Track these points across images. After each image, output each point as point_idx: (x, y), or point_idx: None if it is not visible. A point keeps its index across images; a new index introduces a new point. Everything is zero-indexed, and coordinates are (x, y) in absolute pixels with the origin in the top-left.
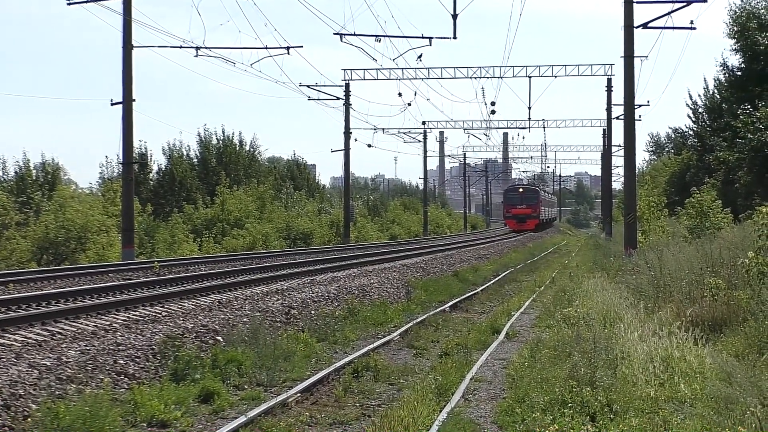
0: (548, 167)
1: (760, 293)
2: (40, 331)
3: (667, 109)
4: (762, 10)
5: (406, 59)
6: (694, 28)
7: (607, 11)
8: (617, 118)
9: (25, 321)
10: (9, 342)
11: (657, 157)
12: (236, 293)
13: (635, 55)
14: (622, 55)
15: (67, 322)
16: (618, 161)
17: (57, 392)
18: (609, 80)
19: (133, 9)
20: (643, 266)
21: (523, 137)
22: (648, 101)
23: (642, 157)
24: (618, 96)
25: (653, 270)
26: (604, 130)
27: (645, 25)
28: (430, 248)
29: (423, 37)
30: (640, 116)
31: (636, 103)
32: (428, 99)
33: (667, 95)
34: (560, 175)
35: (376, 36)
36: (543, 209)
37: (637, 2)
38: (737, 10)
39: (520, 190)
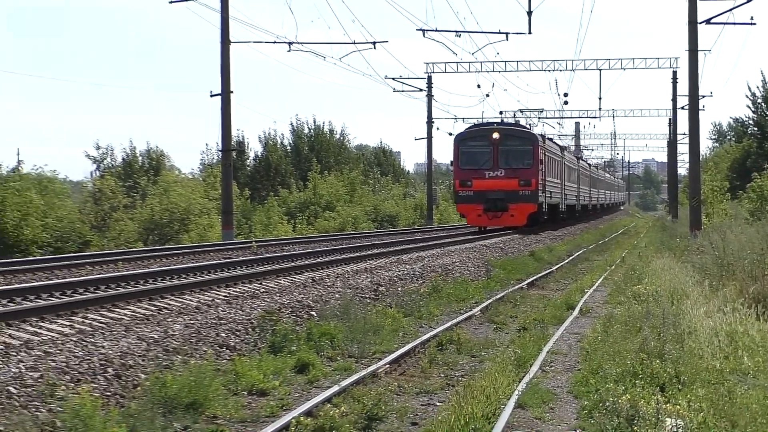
0: (617, 154)
1: None
2: (148, 306)
3: (729, 99)
4: None
5: (484, 53)
6: (755, 24)
7: (673, 7)
8: (682, 108)
9: (134, 297)
10: (119, 316)
11: (719, 144)
12: (328, 271)
13: (699, 49)
14: (687, 49)
15: (173, 297)
16: (683, 148)
17: (164, 363)
18: (674, 73)
19: (230, 7)
20: (708, 247)
21: (594, 126)
22: (711, 92)
23: (705, 144)
24: (683, 87)
25: (717, 250)
26: (669, 119)
27: (708, 21)
28: (508, 229)
29: (500, 33)
30: (703, 106)
31: (699, 94)
32: (505, 90)
33: (729, 86)
34: (629, 162)
35: (456, 31)
36: (548, 183)
37: (701, 0)
38: None
39: (494, 136)
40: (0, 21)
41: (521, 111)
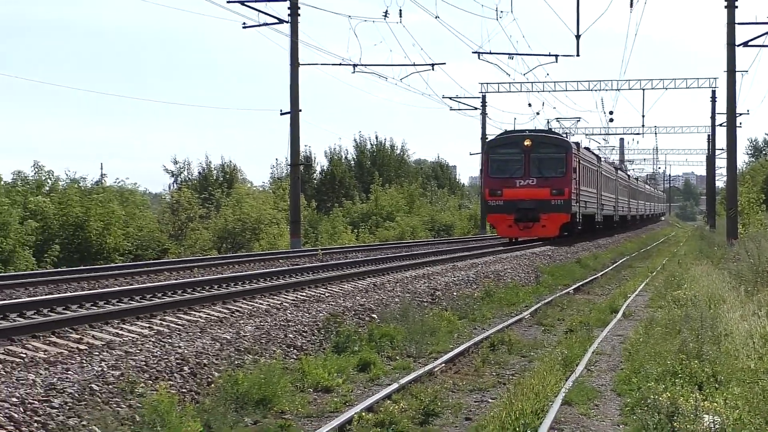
0: (659, 168)
1: None
2: (221, 309)
3: (765, 116)
4: None
5: (535, 74)
6: None
7: (712, 29)
8: (720, 125)
9: (208, 300)
10: (195, 318)
11: (755, 158)
12: (388, 277)
13: (736, 69)
14: (725, 70)
15: (244, 301)
16: (721, 163)
17: (236, 362)
18: (713, 92)
19: (299, 32)
20: (744, 255)
21: (637, 141)
22: (747, 110)
23: (742, 159)
24: (721, 106)
25: (753, 258)
26: (708, 135)
27: (745, 44)
28: (539, 240)
29: (550, 55)
30: (740, 123)
31: (737, 112)
32: (554, 108)
33: (765, 104)
34: (670, 175)
35: (509, 54)
36: (582, 192)
37: (738, 24)
38: None
39: (526, 143)
40: (92, 48)
41: (557, 120)
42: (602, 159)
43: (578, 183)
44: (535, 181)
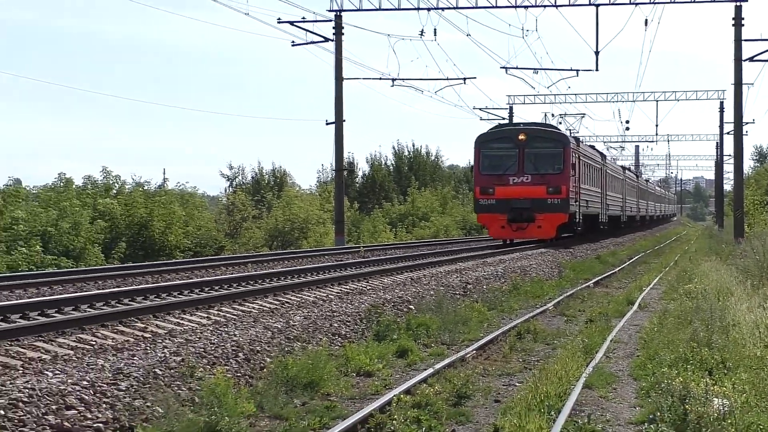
0: (672, 173)
1: None
2: (272, 301)
3: None
4: None
5: (557, 87)
6: None
7: (721, 45)
8: (728, 133)
9: (261, 293)
10: (248, 309)
11: (760, 164)
12: (424, 272)
13: (743, 82)
14: (733, 83)
15: (293, 293)
16: (728, 167)
17: (286, 349)
18: (721, 103)
19: (343, 49)
20: (750, 252)
21: (651, 149)
22: (753, 119)
23: (748, 164)
24: (729, 115)
25: (758, 254)
26: (717, 143)
27: (751, 59)
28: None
29: (571, 69)
30: (746, 132)
31: (743, 121)
32: (575, 119)
33: None
34: (681, 179)
35: (534, 69)
36: (583, 191)
37: (745, 40)
38: None
39: (520, 137)
40: (156, 64)
41: (562, 116)
42: (606, 157)
43: (578, 180)
44: (530, 179)
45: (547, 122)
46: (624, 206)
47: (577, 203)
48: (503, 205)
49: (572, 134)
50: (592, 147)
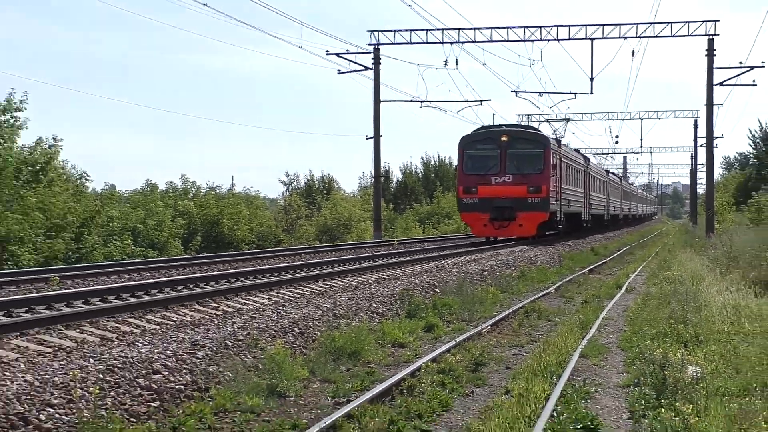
0: (654, 179)
1: None
2: (322, 285)
3: (736, 139)
4: None
5: (558, 107)
6: (756, 85)
7: (696, 71)
8: (701, 146)
9: (312, 279)
10: (302, 292)
11: (728, 171)
12: (447, 261)
13: (714, 103)
14: (705, 104)
15: (339, 279)
16: (701, 175)
17: (333, 324)
18: (695, 120)
19: (381, 76)
20: (719, 244)
21: (637, 159)
22: (722, 134)
23: (718, 172)
24: (702, 131)
25: (726, 247)
26: (691, 154)
27: (721, 84)
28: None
29: (570, 93)
30: (716, 144)
31: (714, 136)
32: (573, 133)
33: (736, 130)
34: (661, 184)
35: (539, 92)
36: (565, 190)
37: (716, 68)
38: None
39: (503, 138)
40: (222, 88)
41: (548, 121)
42: (589, 160)
43: (559, 180)
44: (512, 178)
45: (529, 124)
46: (607, 206)
47: (558, 202)
48: (486, 204)
49: (557, 137)
50: (577, 150)
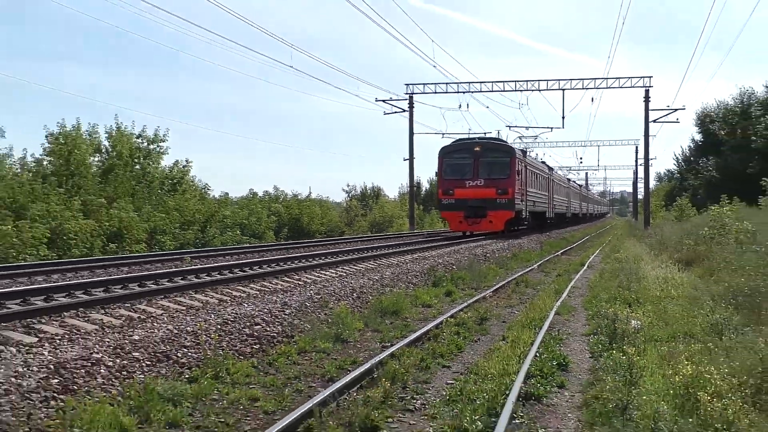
0: (607, 188)
1: (711, 247)
2: (373, 264)
3: (666, 160)
4: (713, 112)
5: (540, 137)
6: (679, 122)
7: (637, 111)
8: (641, 165)
9: (366, 259)
10: (359, 269)
11: (660, 182)
12: (461, 246)
13: (650, 134)
14: (643, 135)
15: (384, 259)
16: (641, 185)
17: (380, 291)
18: (636, 146)
19: (414, 115)
20: (653, 234)
21: (595, 173)
22: (656, 156)
23: (653, 183)
24: (641, 154)
25: (658, 236)
26: (634, 170)
27: (654, 121)
28: (551, 229)
29: (546, 127)
30: (652, 164)
31: (650, 157)
32: (550, 156)
33: (666, 153)
34: (612, 191)
35: (526, 127)
36: (530, 192)
37: (651, 110)
38: (700, 112)
39: (476, 149)
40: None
41: (521, 137)
42: (554, 170)
43: (523, 184)
44: (483, 182)
45: (499, 137)
46: (569, 206)
47: (524, 202)
48: (461, 204)
49: (524, 149)
50: (543, 162)
